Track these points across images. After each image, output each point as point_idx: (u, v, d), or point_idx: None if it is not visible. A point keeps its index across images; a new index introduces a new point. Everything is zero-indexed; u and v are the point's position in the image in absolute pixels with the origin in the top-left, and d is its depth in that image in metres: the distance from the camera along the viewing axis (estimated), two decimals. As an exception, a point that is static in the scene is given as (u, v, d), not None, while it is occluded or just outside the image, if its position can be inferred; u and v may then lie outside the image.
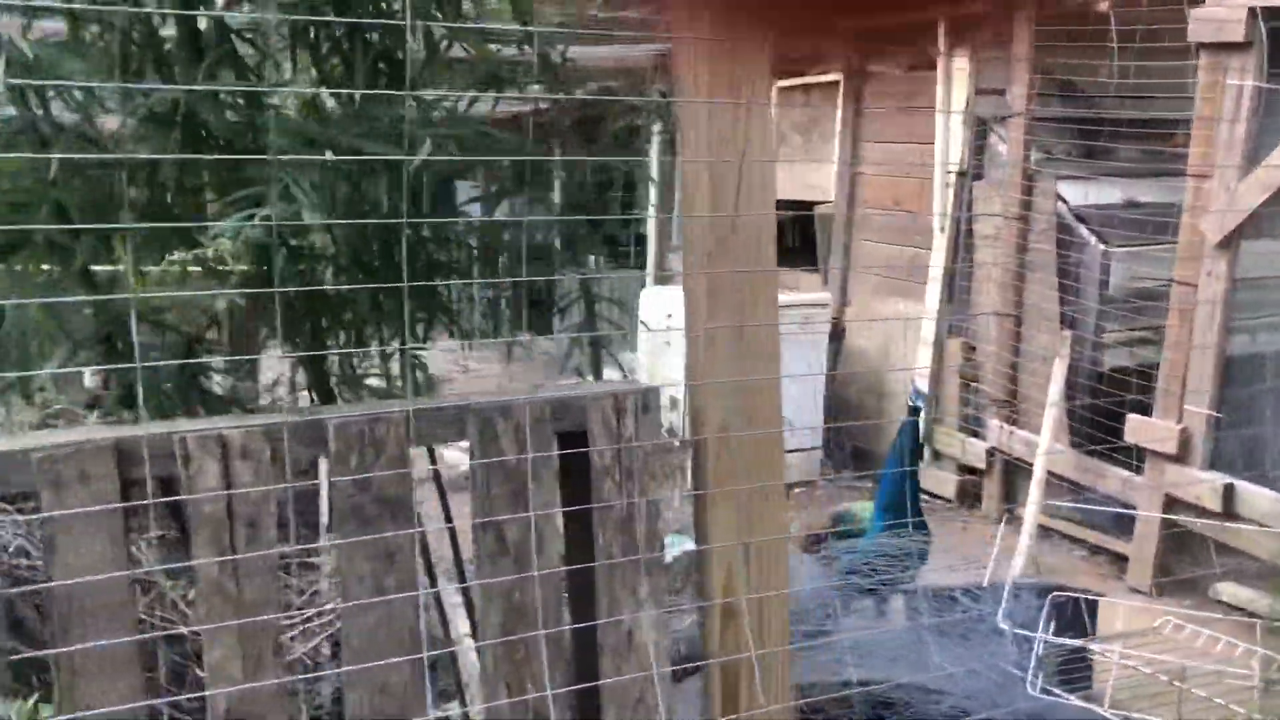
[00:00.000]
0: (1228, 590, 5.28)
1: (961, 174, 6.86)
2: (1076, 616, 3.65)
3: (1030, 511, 6.00)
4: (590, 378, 2.44)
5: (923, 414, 4.84)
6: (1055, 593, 3.58)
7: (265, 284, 1.95)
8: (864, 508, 4.97)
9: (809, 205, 8.29)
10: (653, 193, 9.81)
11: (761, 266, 1.80)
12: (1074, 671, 3.40)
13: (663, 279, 9.72)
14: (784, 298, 7.10)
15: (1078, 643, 3.42)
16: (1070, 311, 6.19)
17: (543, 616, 1.78)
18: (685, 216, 1.72)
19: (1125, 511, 5.80)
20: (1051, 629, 3.38)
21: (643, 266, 10.14)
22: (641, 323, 7.40)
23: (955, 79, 6.81)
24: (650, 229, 9.91)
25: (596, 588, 1.84)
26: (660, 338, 7.21)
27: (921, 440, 5.15)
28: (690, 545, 3.75)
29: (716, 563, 1.81)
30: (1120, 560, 6.12)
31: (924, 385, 6.24)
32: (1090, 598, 3.90)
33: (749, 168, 1.77)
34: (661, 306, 7.25)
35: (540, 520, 1.80)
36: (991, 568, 3.93)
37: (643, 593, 1.82)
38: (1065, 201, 6.38)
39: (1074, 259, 6.21)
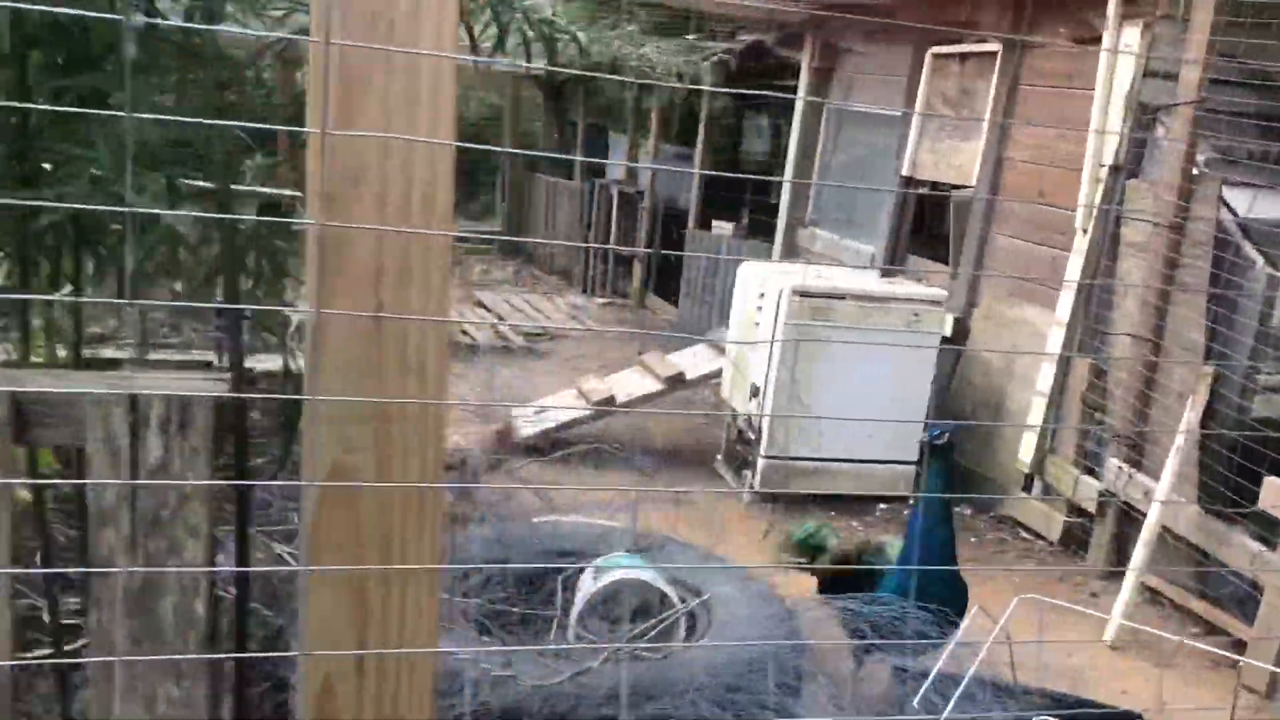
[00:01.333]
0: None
1: (1115, 168, 5.87)
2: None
3: (1132, 572, 5.09)
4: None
5: (953, 449, 3.84)
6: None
7: None
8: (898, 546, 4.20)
9: (950, 189, 7.40)
10: (789, 161, 9.07)
11: (426, 224, 1.18)
12: None
13: (790, 252, 9.00)
14: (890, 288, 6.30)
15: None
16: (1218, 344, 5.18)
17: None
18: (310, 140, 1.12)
19: (1248, 590, 4.83)
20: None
21: (756, 236, 9.42)
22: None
23: (1122, 57, 5.81)
24: (783, 197, 9.16)
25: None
26: (753, 321, 6.55)
27: (950, 483, 3.97)
28: (628, 571, 3.15)
29: (312, 673, 1.22)
30: (1241, 647, 5.13)
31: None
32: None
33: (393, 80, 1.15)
34: (755, 286, 6.57)
35: None
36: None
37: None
38: (1232, 211, 5.35)
39: (1232, 281, 5.19)
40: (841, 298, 6.27)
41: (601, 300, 11.88)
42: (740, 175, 10.95)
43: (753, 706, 2.42)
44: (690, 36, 10.07)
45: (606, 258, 12.01)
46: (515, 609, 2.93)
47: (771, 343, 6.25)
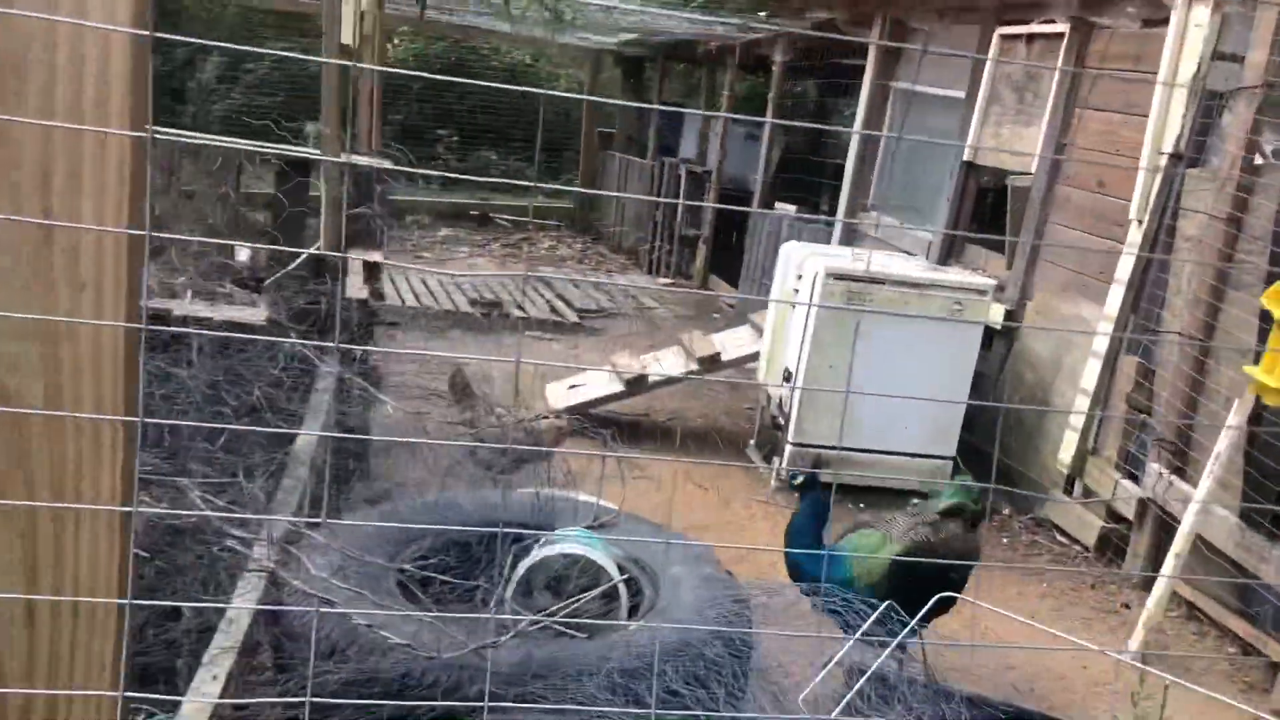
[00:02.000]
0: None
1: (1175, 156, 5.53)
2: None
3: (1161, 582, 4.80)
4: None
5: (814, 486, 3.97)
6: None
7: None
8: (870, 540, 4.00)
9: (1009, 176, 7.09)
10: (853, 143, 8.81)
11: (101, 124, 1.07)
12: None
13: (850, 236, 8.74)
14: (933, 275, 6.06)
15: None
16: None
17: None
18: None
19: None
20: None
21: (833, 215, 9.16)
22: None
23: (1190, 39, 5.46)
24: (845, 179, 8.90)
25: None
26: (790, 304, 6.35)
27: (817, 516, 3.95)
28: (563, 546, 3.03)
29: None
30: (1277, 670, 4.81)
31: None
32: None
33: None
34: (794, 267, 6.37)
35: None
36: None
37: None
38: (1298, 206, 4.98)
39: (1290, 280, 4.83)
40: (880, 282, 6.04)
41: (664, 280, 11.75)
42: (798, 156, 10.69)
43: (648, 694, 2.28)
44: (762, 14, 9.84)
45: (671, 237, 11.86)
46: (447, 579, 2.83)
47: (804, 310, 6.05)
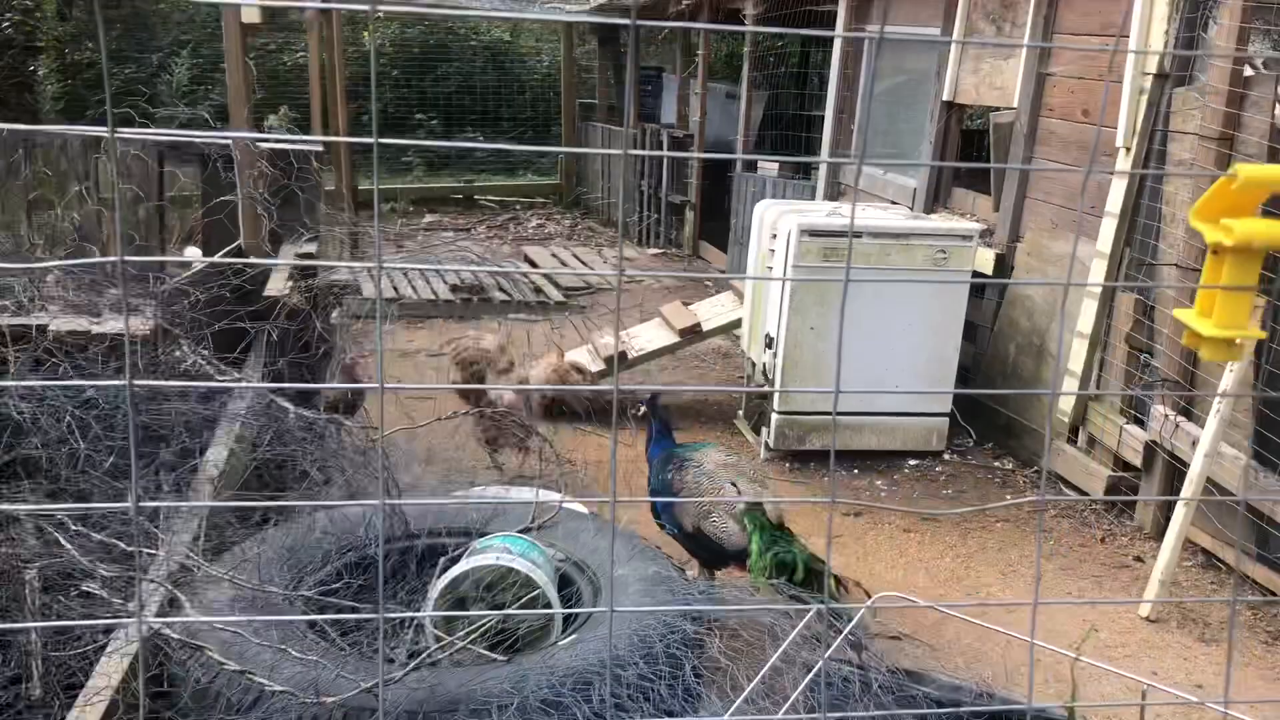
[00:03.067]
0: None
1: (1161, 76, 5.17)
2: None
3: (1173, 531, 4.49)
4: None
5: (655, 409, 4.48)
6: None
7: None
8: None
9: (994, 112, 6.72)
10: (830, 94, 8.44)
11: None
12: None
13: (834, 190, 8.40)
14: (913, 223, 5.74)
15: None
16: (1275, 274, 4.49)
17: None
18: None
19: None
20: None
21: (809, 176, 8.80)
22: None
23: (1168, -53, 5.09)
24: (825, 132, 8.53)
25: None
26: (767, 265, 6.03)
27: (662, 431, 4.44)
28: (485, 557, 2.74)
29: None
30: (1301, 619, 4.50)
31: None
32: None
33: None
34: (768, 227, 6.04)
35: None
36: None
37: None
38: (1294, 118, 4.62)
39: (1290, 199, 4.48)
40: (857, 235, 5.71)
41: (654, 250, 11.42)
42: (781, 112, 10.32)
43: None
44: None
45: (659, 206, 11.52)
46: (351, 602, 2.55)
47: (782, 282, 5.74)
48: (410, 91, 16.48)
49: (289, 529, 2.73)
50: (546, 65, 17.19)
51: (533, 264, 10.57)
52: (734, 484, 4.11)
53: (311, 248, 4.62)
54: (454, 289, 9.09)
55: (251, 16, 3.87)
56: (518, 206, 13.56)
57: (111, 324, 3.10)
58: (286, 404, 3.01)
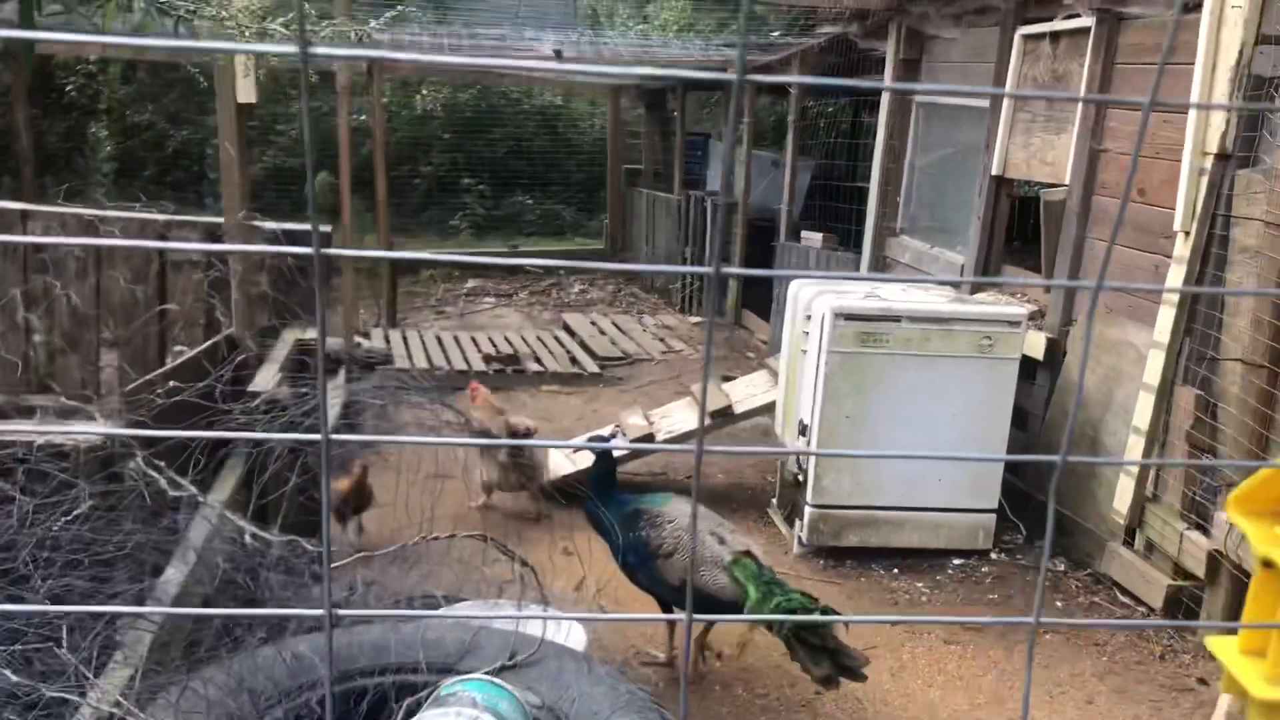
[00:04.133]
0: None
1: (1222, 156, 4.83)
2: None
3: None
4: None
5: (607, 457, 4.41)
6: None
7: None
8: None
9: (1042, 189, 6.41)
10: (876, 165, 8.17)
11: None
12: None
13: (878, 263, 8.10)
14: (957, 307, 5.42)
15: None
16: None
17: None
18: None
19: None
20: None
21: (859, 248, 8.50)
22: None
23: (1229, 19, 4.77)
24: (870, 203, 8.25)
25: None
26: (801, 349, 5.73)
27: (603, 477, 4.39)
28: (445, 715, 2.46)
29: None
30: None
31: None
32: None
33: None
34: (803, 307, 5.75)
35: None
36: None
37: None
38: (1370, 206, 4.27)
39: (1366, 294, 4.12)
40: (896, 319, 5.40)
41: (695, 319, 11.17)
42: (828, 181, 10.06)
43: None
44: (774, 33, 9.28)
45: (701, 275, 11.28)
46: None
47: (814, 366, 5.43)
48: (461, 155, 16.50)
49: (232, 666, 2.47)
50: (598, 128, 17.16)
51: (571, 332, 10.35)
52: (714, 533, 4.15)
53: (314, 334, 4.41)
54: (487, 359, 8.89)
55: (248, 96, 3.70)
56: (561, 272, 13.42)
57: (74, 428, 2.89)
58: (245, 524, 2.77)
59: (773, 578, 4.03)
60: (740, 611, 3.96)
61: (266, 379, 3.68)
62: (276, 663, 2.52)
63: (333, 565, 3.39)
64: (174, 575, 2.81)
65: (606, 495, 4.29)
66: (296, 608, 2.70)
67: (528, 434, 5.82)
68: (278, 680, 2.50)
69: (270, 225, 4.08)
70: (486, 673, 2.67)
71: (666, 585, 4.11)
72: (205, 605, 2.83)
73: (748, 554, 4.07)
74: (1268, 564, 1.01)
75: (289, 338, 4.28)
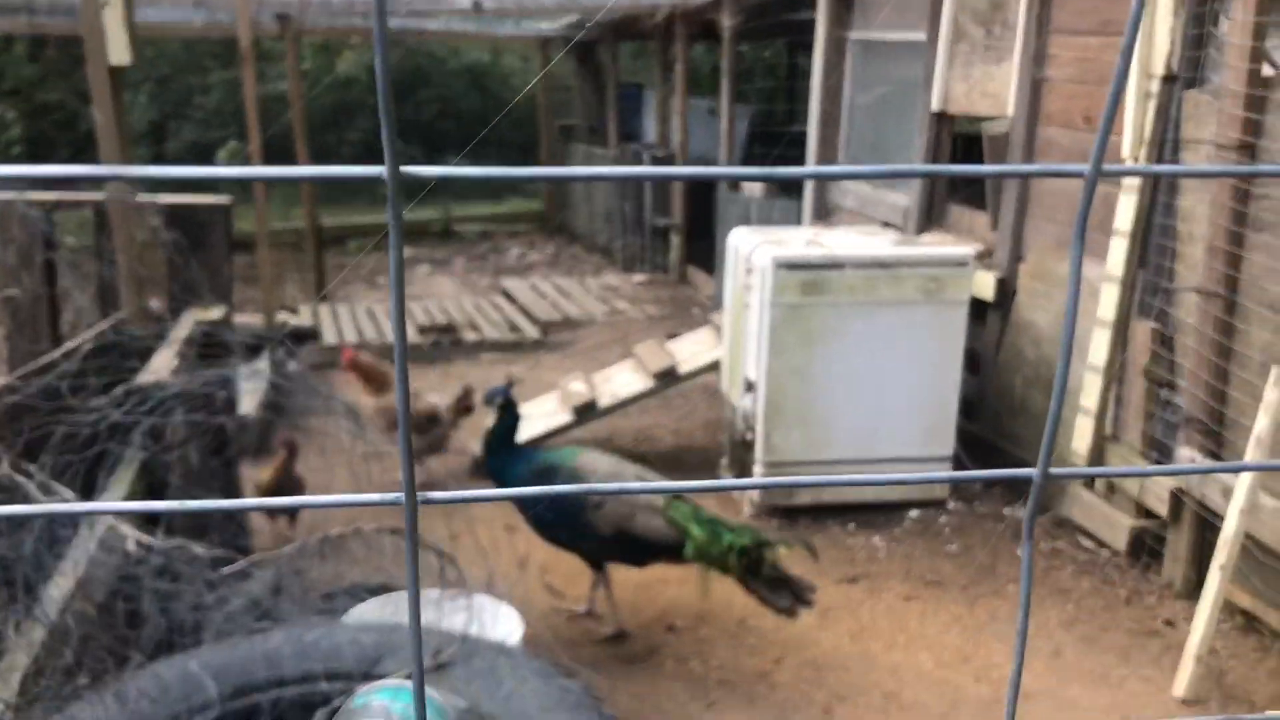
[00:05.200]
0: None
1: (1168, 78, 4.62)
2: None
3: (1208, 595, 3.92)
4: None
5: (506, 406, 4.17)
6: None
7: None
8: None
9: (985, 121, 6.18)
10: (814, 107, 7.91)
11: None
12: None
13: (821, 210, 7.86)
14: (902, 251, 5.20)
15: None
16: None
17: None
18: None
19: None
20: None
21: (799, 195, 8.26)
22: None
23: (1171, -65, 4.55)
24: (809, 147, 8.00)
25: None
26: (744, 302, 5.49)
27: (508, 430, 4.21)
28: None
29: None
30: (1362, 691, 3.92)
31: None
32: None
33: None
34: (743, 258, 5.50)
35: None
36: None
37: None
38: (1324, 121, 4.08)
39: (1325, 213, 3.94)
40: (839, 266, 5.17)
41: (639, 277, 10.89)
42: (768, 128, 9.79)
43: None
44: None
45: (642, 231, 11.00)
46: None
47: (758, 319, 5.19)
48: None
49: (111, 695, 2.20)
50: (529, 84, 16.74)
51: (510, 298, 10.04)
52: (640, 479, 4.08)
53: (218, 314, 4.10)
54: (422, 330, 8.56)
55: (121, 57, 3.35)
56: (498, 235, 13.07)
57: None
58: (130, 530, 2.48)
59: (712, 516, 4.00)
60: (681, 554, 3.93)
61: (162, 365, 3.37)
62: (163, 684, 2.25)
63: (254, 560, 3.11)
64: (56, 591, 2.52)
65: (509, 452, 4.18)
66: (183, 616, 2.42)
67: (434, 414, 5.58)
68: (167, 704, 2.23)
69: (153, 199, 3.75)
70: (406, 675, 2.42)
71: (597, 537, 4.01)
72: (91, 623, 2.54)
73: (678, 497, 3.99)
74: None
75: (188, 318, 3.96)
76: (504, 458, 4.15)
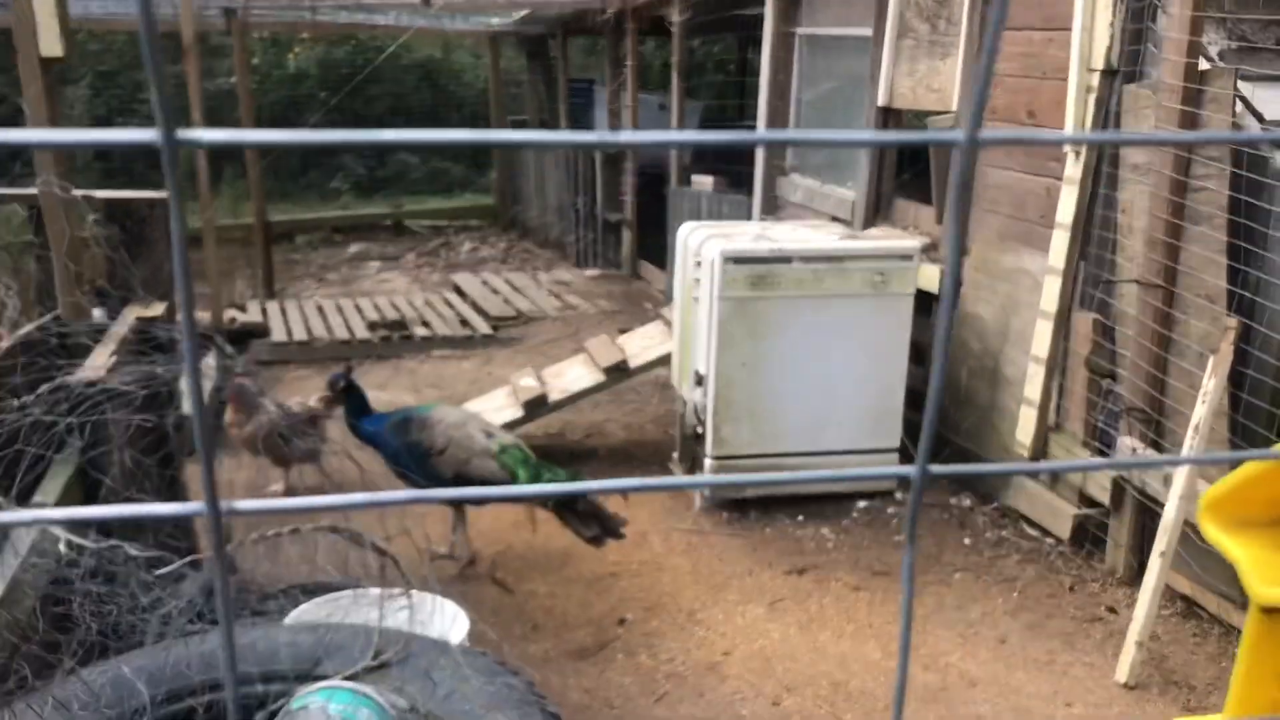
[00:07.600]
0: None
1: (1109, 72, 4.68)
2: None
3: (1149, 582, 3.98)
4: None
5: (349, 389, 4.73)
6: None
7: None
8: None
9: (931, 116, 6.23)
10: (762, 103, 7.93)
11: None
12: None
13: (770, 205, 7.89)
14: (848, 244, 5.22)
15: None
16: (1245, 290, 4.02)
17: None
18: None
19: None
20: None
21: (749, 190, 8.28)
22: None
23: (1110, -69, 4.61)
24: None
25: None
26: (693, 296, 5.48)
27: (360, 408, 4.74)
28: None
29: None
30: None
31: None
32: None
33: None
34: (692, 252, 5.50)
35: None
36: None
37: None
38: (1259, 116, 4.16)
39: (1260, 208, 4.01)
40: (787, 260, 5.19)
41: (591, 272, 10.87)
42: (719, 122, 9.81)
43: None
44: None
45: (594, 225, 10.98)
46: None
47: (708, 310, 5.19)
48: (339, 114, 15.85)
49: (51, 694, 2.15)
50: (481, 79, 16.64)
51: (461, 293, 9.98)
52: (483, 430, 4.65)
53: (160, 310, 4.03)
54: (372, 326, 8.49)
55: (52, 49, 3.29)
56: (450, 231, 12.98)
57: None
58: (62, 532, 2.43)
59: (538, 461, 4.61)
60: None
61: (99, 362, 3.31)
62: (94, 690, 2.21)
63: (189, 560, 3.06)
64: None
65: (369, 419, 4.68)
66: (117, 619, 2.37)
67: (313, 415, 5.53)
68: (98, 710, 2.19)
69: (90, 194, 3.68)
70: (345, 676, 2.40)
71: (441, 480, 4.47)
72: (26, 630, 2.49)
73: (516, 446, 4.60)
74: (1270, 610, 0.77)
75: (128, 315, 3.89)
76: (365, 422, 4.66)
